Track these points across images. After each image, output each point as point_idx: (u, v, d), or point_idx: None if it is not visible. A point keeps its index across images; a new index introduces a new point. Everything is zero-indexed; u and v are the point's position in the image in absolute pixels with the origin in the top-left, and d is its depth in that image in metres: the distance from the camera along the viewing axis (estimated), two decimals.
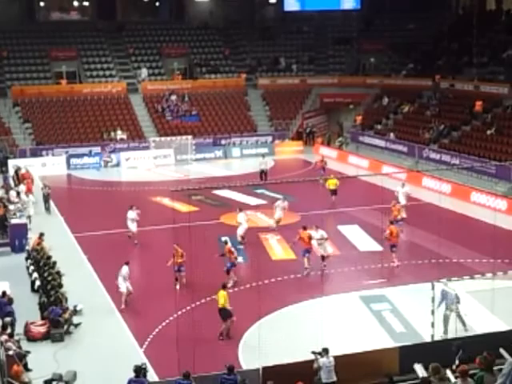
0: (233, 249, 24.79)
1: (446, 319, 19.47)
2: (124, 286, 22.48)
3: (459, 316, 19.53)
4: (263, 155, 42.53)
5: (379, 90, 54.65)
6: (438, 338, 18.40)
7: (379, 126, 50.71)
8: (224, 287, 20.75)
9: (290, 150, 51.43)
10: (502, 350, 14.06)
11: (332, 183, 34.93)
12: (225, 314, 20.24)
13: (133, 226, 29.48)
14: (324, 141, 52.14)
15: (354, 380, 16.05)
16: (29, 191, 34.97)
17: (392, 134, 47.94)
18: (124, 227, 30.69)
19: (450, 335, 18.85)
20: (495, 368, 11.37)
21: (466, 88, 47.56)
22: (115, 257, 27.87)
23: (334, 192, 34.90)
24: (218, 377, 15.57)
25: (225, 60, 58.63)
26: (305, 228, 25.76)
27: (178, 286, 23.30)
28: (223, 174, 43.88)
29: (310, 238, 25.22)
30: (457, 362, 14.79)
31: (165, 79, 55.94)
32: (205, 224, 30.02)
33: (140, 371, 15.35)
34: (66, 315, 20.68)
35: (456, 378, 11.50)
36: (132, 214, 29.40)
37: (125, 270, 22.56)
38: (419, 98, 51.08)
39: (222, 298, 20.31)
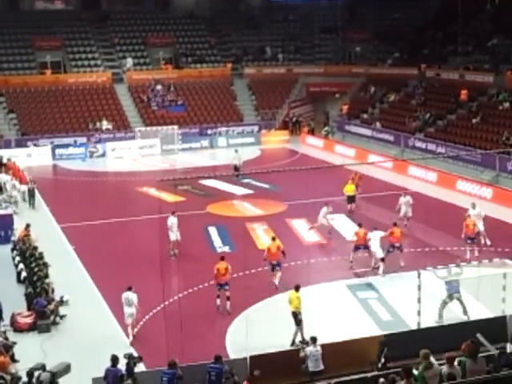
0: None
1: (443, 306, 19.69)
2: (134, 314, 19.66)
3: (462, 302, 19.75)
4: (236, 150, 40.49)
5: (365, 79, 54.70)
6: (427, 325, 18.47)
7: (365, 115, 50.80)
8: (297, 289, 19.22)
9: (276, 140, 51.43)
10: (478, 335, 14.21)
11: (350, 189, 31.54)
12: (297, 318, 18.94)
13: (172, 235, 25.91)
14: (309, 130, 52.14)
15: (340, 368, 16.11)
16: (20, 181, 34.82)
17: (378, 123, 48.03)
18: (110, 217, 30.66)
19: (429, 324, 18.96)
20: (480, 355, 11.46)
21: (451, 77, 47.69)
22: (101, 247, 27.93)
23: (351, 199, 31.47)
24: (204, 366, 15.58)
25: (210, 49, 58.43)
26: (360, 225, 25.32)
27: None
28: (209, 163, 43.82)
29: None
30: (382, 360, 14.93)
31: (150, 69, 55.73)
32: (191, 214, 30.00)
33: (116, 360, 15.38)
34: (52, 306, 20.61)
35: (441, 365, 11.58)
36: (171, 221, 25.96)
37: (132, 296, 19.64)
38: (405, 86, 51.17)
39: (297, 300, 18.94)
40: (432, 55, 51.17)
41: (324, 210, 28.11)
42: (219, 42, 59.21)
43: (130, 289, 19.64)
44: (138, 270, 24.81)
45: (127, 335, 19.45)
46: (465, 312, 19.78)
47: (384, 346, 15.73)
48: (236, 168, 38.64)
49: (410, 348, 15.39)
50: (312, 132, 51.99)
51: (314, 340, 16.39)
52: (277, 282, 22.80)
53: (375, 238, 24.22)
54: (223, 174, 38.51)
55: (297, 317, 18.92)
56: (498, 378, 9.55)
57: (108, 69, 55.16)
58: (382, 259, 23.86)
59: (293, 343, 18.64)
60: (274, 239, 23.81)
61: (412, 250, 25.62)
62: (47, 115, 50.13)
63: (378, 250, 24.01)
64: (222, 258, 21.91)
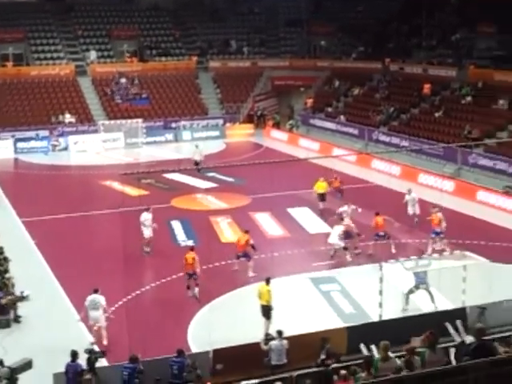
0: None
1: (409, 294, 19.98)
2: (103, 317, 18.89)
3: (429, 292, 19.99)
4: (197, 145, 39.92)
5: (330, 72, 54.86)
6: (389, 317, 18.59)
7: (330, 109, 50.97)
8: (268, 282, 19.22)
9: (240, 133, 51.38)
10: (447, 324, 14.39)
11: (321, 186, 30.64)
12: (269, 312, 18.93)
13: (146, 231, 25.64)
14: (274, 123, 52.15)
15: (303, 360, 16.13)
16: None
17: (342, 117, 48.22)
18: (73, 211, 30.33)
19: (391, 315, 19.09)
20: (438, 346, 11.57)
21: (414, 71, 48.07)
22: (64, 242, 27.63)
23: (322, 197, 30.55)
24: (166, 360, 15.51)
25: (175, 42, 58.09)
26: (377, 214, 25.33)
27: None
28: (174, 157, 43.58)
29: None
30: (322, 356, 15.01)
31: (114, 62, 55.19)
32: (155, 208, 29.78)
33: (76, 356, 15.22)
34: (5, 300, 20.21)
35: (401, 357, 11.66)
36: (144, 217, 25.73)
37: (99, 298, 18.86)
38: (369, 80, 51.43)
39: (267, 294, 18.97)
40: (396, 49, 51.49)
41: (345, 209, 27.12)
42: (184, 34, 58.89)
43: (96, 291, 18.80)
44: (100, 265, 24.61)
45: (91, 332, 19.21)
46: (432, 300, 20.00)
47: (325, 343, 15.74)
48: (197, 163, 37.91)
49: (372, 340, 15.55)
50: (277, 125, 52.03)
51: (279, 333, 16.39)
52: (250, 274, 23.04)
53: (335, 230, 24.38)
54: (187, 167, 38.33)
55: (268, 310, 18.89)
56: (455, 368, 9.65)
57: (71, 61, 54.53)
58: (345, 248, 24.25)
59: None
60: (246, 232, 24.03)
61: (375, 242, 25.74)
62: (9, 108, 49.40)
63: (336, 242, 24.23)
64: (192, 249, 22.13)
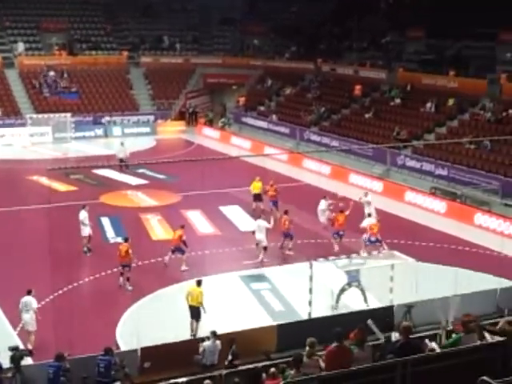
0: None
1: (341, 292, 20.16)
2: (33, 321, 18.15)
3: (362, 291, 20.22)
4: (122, 143, 38.91)
5: (262, 71, 55.02)
6: (318, 315, 18.73)
7: (262, 108, 51.14)
8: (199, 284, 19.14)
9: (172, 130, 51.06)
10: (369, 321, 14.57)
11: (256, 187, 30.09)
12: (199, 313, 18.84)
13: (85, 230, 24.95)
14: (206, 121, 52.05)
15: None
16: None
17: (274, 116, 48.43)
18: None
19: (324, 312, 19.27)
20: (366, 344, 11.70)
21: (346, 72, 48.67)
22: None
23: (258, 197, 30.02)
24: (93, 358, 15.25)
25: (106, 37, 57.23)
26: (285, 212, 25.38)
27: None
28: (103, 152, 42.91)
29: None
30: (229, 357, 15.19)
31: (43, 54, 53.97)
32: (83, 204, 29.26)
33: None
34: None
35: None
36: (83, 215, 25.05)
37: (31, 300, 18.25)
38: (301, 80, 51.82)
39: (200, 295, 18.81)
40: (328, 50, 52.03)
41: (322, 202, 27.57)
42: (115, 29, 58.10)
43: (29, 293, 18.19)
44: (27, 261, 24.01)
45: (14, 328, 18.73)
46: (365, 300, 20.25)
47: (232, 344, 15.76)
48: (122, 161, 36.64)
49: (301, 338, 15.61)
50: (210, 123, 51.88)
51: (213, 334, 16.32)
52: (183, 267, 23.15)
53: (260, 228, 24.38)
54: (117, 163, 37.79)
55: (198, 312, 18.75)
56: (383, 366, 9.76)
57: None
58: (265, 248, 24.26)
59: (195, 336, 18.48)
60: (182, 227, 24.03)
61: (305, 241, 25.93)
62: None
63: (263, 239, 24.25)
64: (126, 240, 22.20)
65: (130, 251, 21.68)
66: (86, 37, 56.19)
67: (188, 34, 58.93)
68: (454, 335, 12.20)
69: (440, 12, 44.51)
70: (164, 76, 55.08)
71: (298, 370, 11.42)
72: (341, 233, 25.30)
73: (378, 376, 9.31)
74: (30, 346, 17.65)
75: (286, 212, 25.54)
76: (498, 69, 40.46)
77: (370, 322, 14.82)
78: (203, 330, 17.26)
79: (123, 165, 35.83)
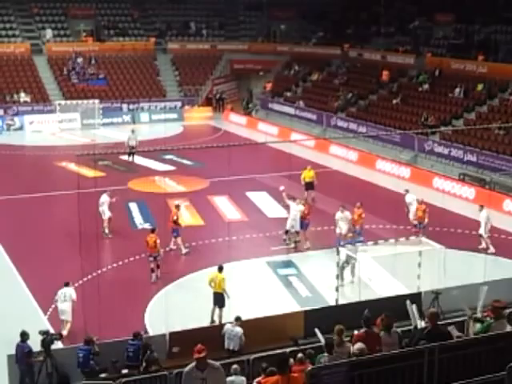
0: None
1: (342, 269, 20.49)
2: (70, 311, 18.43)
3: (353, 267, 20.55)
4: (133, 130, 38.44)
5: (289, 57, 54.83)
6: (349, 299, 18.76)
7: (289, 94, 50.99)
8: (221, 270, 19.03)
9: (199, 116, 51.15)
10: (408, 303, 14.55)
11: (308, 175, 29.71)
12: (223, 300, 18.82)
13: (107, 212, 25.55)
14: (242, 108, 51.66)
15: (260, 343, 16.20)
16: None
17: (301, 102, 48.29)
18: (28, 192, 29.84)
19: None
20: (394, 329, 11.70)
21: (373, 57, 48.35)
22: (19, 223, 27.21)
23: (310, 185, 29.71)
24: (122, 342, 15.43)
25: (133, 23, 57.39)
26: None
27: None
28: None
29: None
30: (144, 364, 15.10)
31: (71, 41, 54.31)
32: (112, 190, 29.46)
33: (25, 336, 15.03)
34: None
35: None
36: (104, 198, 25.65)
37: (71, 292, 18.57)
38: (328, 66, 51.58)
39: (222, 281, 18.78)
40: (355, 35, 51.69)
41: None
42: (142, 15, 58.20)
43: (67, 284, 18.53)
44: (56, 246, 24.33)
45: (45, 312, 18.99)
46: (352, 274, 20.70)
47: (147, 348, 15.49)
48: (132, 148, 36.19)
49: (329, 324, 15.63)
50: (249, 113, 51.23)
51: (236, 319, 16.40)
52: (171, 245, 23.70)
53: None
54: (145, 149, 37.97)
55: (223, 298, 18.77)
56: (410, 352, 9.77)
57: (27, 40, 53.43)
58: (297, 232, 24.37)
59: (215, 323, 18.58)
60: (177, 207, 24.35)
61: (333, 227, 25.87)
62: None
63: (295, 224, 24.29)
64: (152, 231, 22.04)
65: (158, 241, 21.56)
66: (113, 23, 56.40)
67: (214, 19, 58.86)
68: (478, 324, 12.10)
69: None
70: (191, 62, 55.19)
71: (331, 354, 11.45)
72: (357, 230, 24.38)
73: (406, 362, 9.31)
74: (64, 332, 17.82)
75: (361, 204, 24.76)
76: None
77: (408, 303, 14.72)
78: (231, 316, 17.32)
79: (133, 152, 35.58)
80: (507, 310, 11.64)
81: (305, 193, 29.59)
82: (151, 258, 21.58)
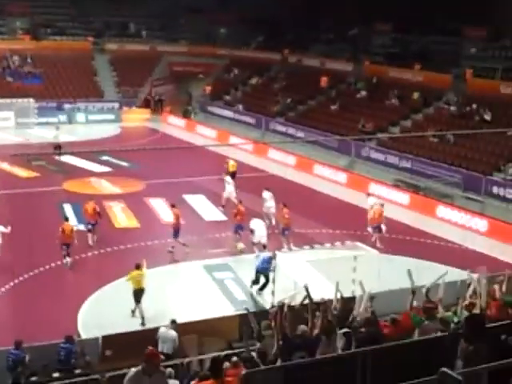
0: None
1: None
2: None
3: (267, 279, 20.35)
4: (57, 127, 38.91)
5: (229, 61, 54.89)
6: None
7: (228, 97, 50.98)
8: (138, 267, 19.02)
9: (137, 118, 50.69)
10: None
11: (233, 166, 32.15)
12: (138, 295, 18.89)
13: None
14: (180, 113, 51.29)
15: (197, 347, 16.08)
16: None
17: (240, 106, 48.33)
18: None
19: None
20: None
21: (312, 64, 48.76)
22: None
23: (233, 175, 31.15)
24: (54, 346, 15.09)
25: (71, 22, 56.54)
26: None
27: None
28: (67, 139, 42.33)
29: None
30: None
31: (6, 38, 53.10)
32: (46, 190, 28.98)
33: None
34: None
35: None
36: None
37: None
38: (267, 71, 51.79)
39: (140, 277, 18.86)
40: (295, 41, 52.04)
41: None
42: (80, 14, 57.36)
43: None
44: None
45: None
46: (262, 287, 20.60)
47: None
48: (59, 146, 35.23)
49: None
50: (188, 116, 50.82)
51: (172, 322, 16.23)
52: (90, 241, 23.67)
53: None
54: (81, 150, 37.36)
55: (138, 294, 18.77)
56: (346, 356, 9.81)
57: None
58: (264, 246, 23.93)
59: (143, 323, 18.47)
60: (91, 200, 24.67)
61: (269, 231, 25.91)
62: None
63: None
64: (67, 219, 22.57)
65: (75, 228, 21.99)
66: (50, 22, 55.47)
67: (154, 21, 58.47)
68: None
69: (407, 6, 44.74)
70: (129, 63, 54.54)
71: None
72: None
73: (341, 366, 9.33)
74: None
75: (285, 205, 24.92)
76: (462, 63, 40.90)
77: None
78: (166, 319, 17.14)
79: (57, 152, 34.91)
80: (440, 314, 11.81)
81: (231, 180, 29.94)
82: (64, 247, 21.81)
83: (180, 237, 23.73)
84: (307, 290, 13.38)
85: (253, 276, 20.47)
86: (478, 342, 7.88)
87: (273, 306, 14.73)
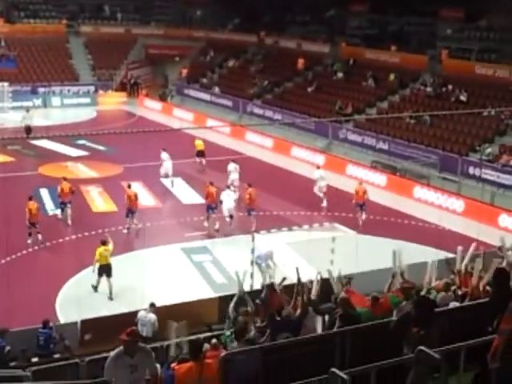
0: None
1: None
2: None
3: (262, 272, 20.12)
4: (28, 109, 38.95)
5: (205, 43, 54.57)
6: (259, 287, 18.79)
7: (204, 80, 50.76)
8: (104, 243, 19.57)
9: (113, 101, 50.29)
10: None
11: (199, 145, 32.84)
12: (108, 270, 19.36)
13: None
14: (157, 96, 50.95)
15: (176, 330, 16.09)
16: None
17: (217, 88, 48.14)
18: None
19: None
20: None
21: (289, 45, 48.64)
22: None
23: (201, 153, 32.41)
24: (32, 331, 15.04)
25: (45, 4, 55.79)
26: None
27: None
28: (42, 123, 41.92)
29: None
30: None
31: None
32: (21, 175, 28.74)
33: None
34: None
35: None
36: None
37: None
38: (244, 53, 51.59)
39: (106, 253, 19.37)
40: (271, 23, 51.85)
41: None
42: None
43: None
44: None
45: None
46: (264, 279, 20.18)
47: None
48: (29, 129, 36.10)
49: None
50: (164, 99, 50.54)
51: (150, 306, 16.21)
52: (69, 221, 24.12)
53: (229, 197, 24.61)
54: (56, 134, 37.07)
55: (107, 269, 19.16)
56: (325, 336, 9.88)
57: None
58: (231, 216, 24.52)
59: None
60: (64, 179, 24.88)
61: (247, 213, 25.95)
62: None
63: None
64: (30, 198, 22.83)
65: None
66: (23, 4, 54.71)
67: (129, 3, 57.92)
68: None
69: None
70: (105, 46, 53.95)
71: (241, 341, 11.48)
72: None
73: (319, 346, 9.38)
74: None
75: (249, 185, 25.18)
76: (438, 45, 41.03)
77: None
78: (145, 303, 17.13)
79: (32, 137, 34.99)
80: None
81: (196, 159, 31.89)
82: (29, 225, 22.18)
83: (155, 220, 23.68)
84: (297, 271, 13.47)
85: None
86: (427, 326, 7.88)
87: (262, 288, 14.74)
